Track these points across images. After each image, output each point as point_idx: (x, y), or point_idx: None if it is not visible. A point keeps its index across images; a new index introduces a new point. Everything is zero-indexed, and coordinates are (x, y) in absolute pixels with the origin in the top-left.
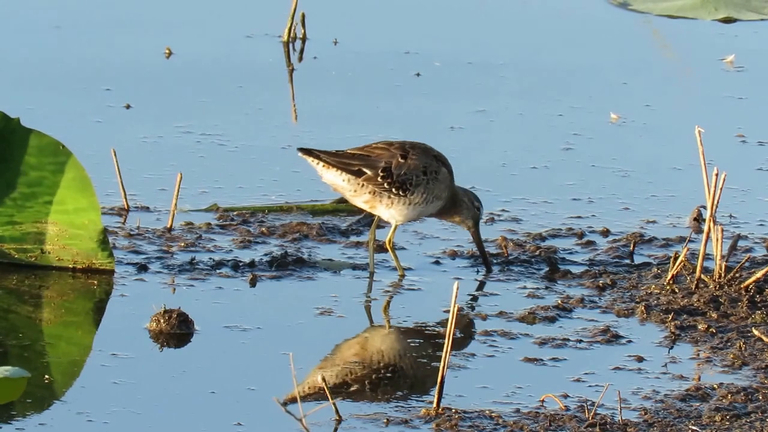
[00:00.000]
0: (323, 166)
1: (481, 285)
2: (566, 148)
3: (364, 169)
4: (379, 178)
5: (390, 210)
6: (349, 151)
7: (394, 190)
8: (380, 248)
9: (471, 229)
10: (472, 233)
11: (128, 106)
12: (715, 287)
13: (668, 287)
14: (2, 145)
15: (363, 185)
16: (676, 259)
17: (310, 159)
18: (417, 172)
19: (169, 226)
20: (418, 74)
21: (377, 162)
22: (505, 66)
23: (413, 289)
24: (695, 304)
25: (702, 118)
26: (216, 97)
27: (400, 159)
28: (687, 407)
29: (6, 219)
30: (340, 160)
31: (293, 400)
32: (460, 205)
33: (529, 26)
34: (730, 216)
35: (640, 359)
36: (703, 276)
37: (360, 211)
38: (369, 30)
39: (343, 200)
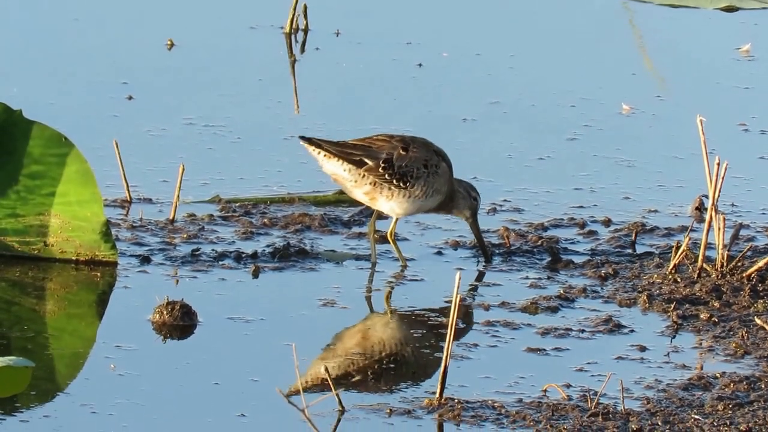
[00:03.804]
0: (324, 155)
1: (483, 275)
2: (571, 139)
3: (366, 160)
4: (380, 169)
5: (390, 203)
6: (350, 142)
7: (395, 182)
8: (382, 239)
9: (469, 219)
10: (470, 224)
11: (130, 98)
12: (717, 276)
13: (670, 277)
14: (5, 137)
15: (364, 176)
16: (678, 248)
17: (311, 148)
18: (418, 165)
19: (171, 217)
20: (420, 65)
21: (379, 153)
22: (514, 57)
23: (415, 280)
24: (697, 294)
25: (712, 108)
26: (218, 89)
27: (401, 151)
28: (689, 396)
29: (9, 211)
30: (341, 149)
31: (296, 391)
32: (456, 197)
33: (534, 17)
34: (732, 205)
35: (643, 349)
36: (705, 265)
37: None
38: (371, 21)
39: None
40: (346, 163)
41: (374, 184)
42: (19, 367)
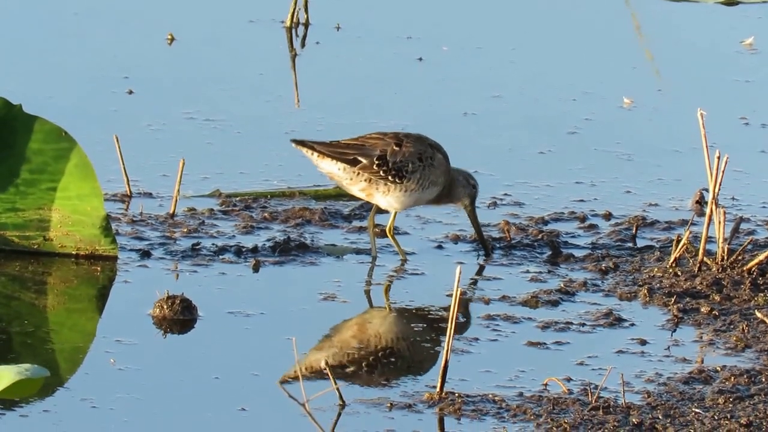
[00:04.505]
0: (318, 156)
1: (484, 269)
2: (572, 132)
3: (359, 158)
4: (374, 167)
5: (387, 198)
6: (343, 142)
7: (390, 177)
8: (383, 233)
9: (468, 208)
10: (469, 212)
11: (131, 92)
12: (718, 270)
13: (671, 270)
14: (5, 131)
15: (359, 173)
16: (678, 242)
17: (304, 150)
18: (412, 159)
19: (171, 212)
20: (420, 59)
21: (372, 151)
22: (515, 51)
23: (416, 274)
24: (698, 287)
25: (712, 102)
26: (218, 83)
27: (394, 147)
28: (690, 390)
29: (8, 206)
30: (334, 150)
31: (296, 385)
32: (455, 187)
33: (534, 10)
34: (733, 198)
35: (643, 342)
36: (705, 259)
37: None
38: (371, 15)
39: None
40: (339, 162)
41: (369, 181)
42: (36, 378)
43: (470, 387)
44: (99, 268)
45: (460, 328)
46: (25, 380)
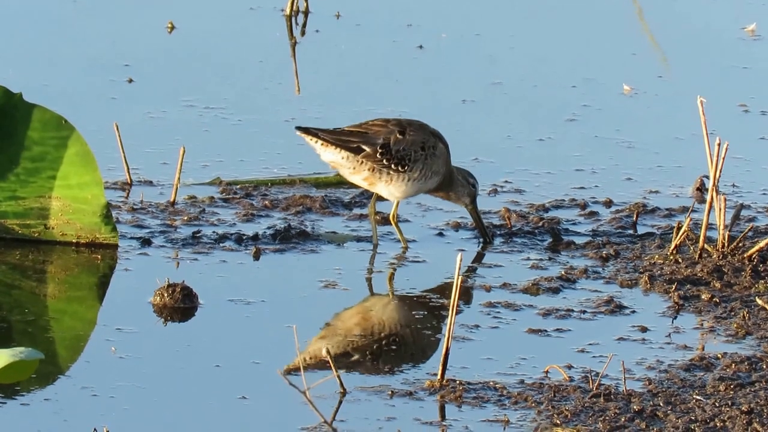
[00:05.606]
0: (321, 144)
1: (484, 256)
2: (572, 119)
3: (363, 146)
4: (378, 155)
5: (389, 187)
6: (346, 129)
7: (393, 166)
8: (384, 220)
9: (468, 206)
10: (470, 210)
11: (131, 80)
12: (719, 257)
13: (671, 257)
14: (5, 120)
15: (362, 162)
16: (679, 229)
17: (308, 137)
18: (415, 148)
19: (172, 200)
20: (420, 46)
21: (375, 139)
22: (514, 37)
23: (417, 261)
24: (698, 274)
25: (713, 89)
26: (218, 71)
27: (398, 135)
28: (691, 377)
29: (9, 194)
30: (338, 137)
31: (297, 373)
32: (455, 182)
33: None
34: (733, 185)
35: (644, 329)
36: (706, 246)
37: None
38: (371, 3)
39: None
40: (343, 150)
41: (372, 170)
42: (30, 360)
43: (471, 374)
44: (99, 257)
45: (461, 315)
46: (20, 362)
